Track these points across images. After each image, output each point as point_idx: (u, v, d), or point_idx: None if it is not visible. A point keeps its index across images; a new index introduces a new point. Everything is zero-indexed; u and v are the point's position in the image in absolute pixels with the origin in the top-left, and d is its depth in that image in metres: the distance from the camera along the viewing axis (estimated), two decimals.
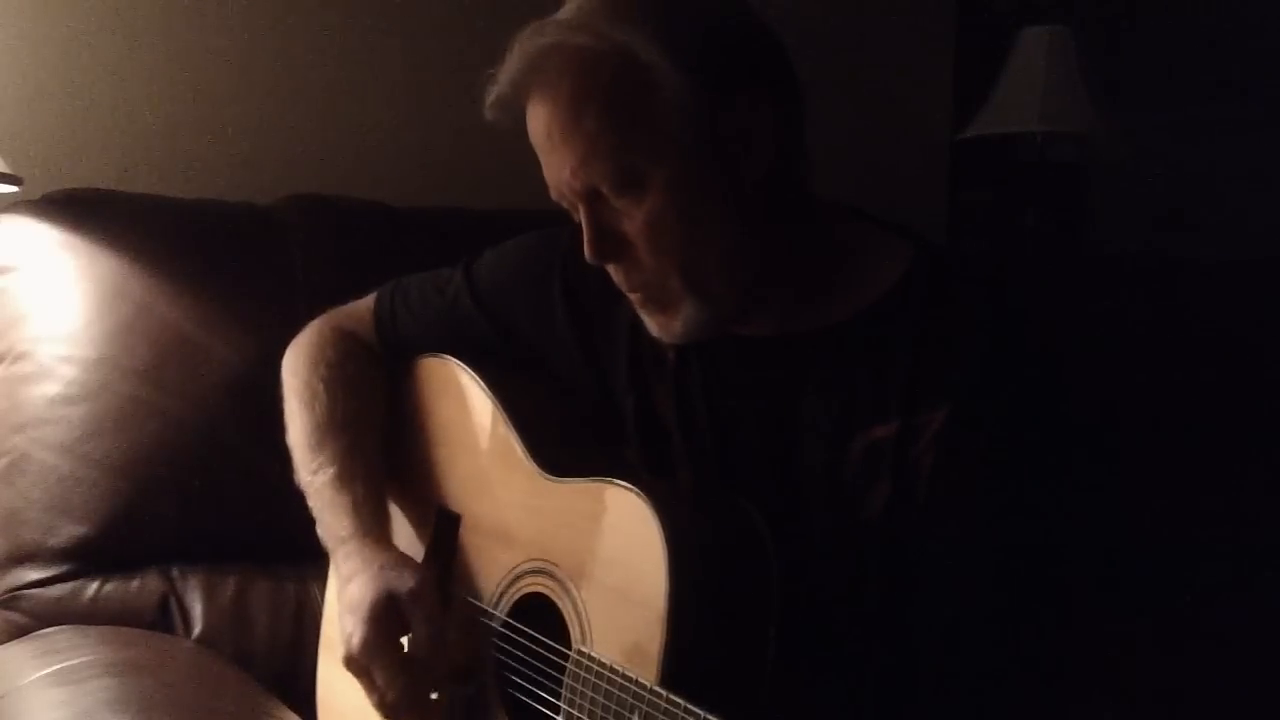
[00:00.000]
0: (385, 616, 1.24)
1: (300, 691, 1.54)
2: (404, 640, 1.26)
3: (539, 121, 1.16)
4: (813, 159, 1.22)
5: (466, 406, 1.37)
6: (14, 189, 1.70)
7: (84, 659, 1.44)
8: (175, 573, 1.65)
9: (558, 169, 1.17)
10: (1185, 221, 3.03)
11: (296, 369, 1.44)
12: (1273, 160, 2.90)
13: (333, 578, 1.43)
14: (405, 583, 1.26)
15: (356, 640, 1.24)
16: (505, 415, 1.32)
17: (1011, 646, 1.14)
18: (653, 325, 1.22)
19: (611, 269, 1.20)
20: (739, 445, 1.24)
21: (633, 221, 1.16)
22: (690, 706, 1.00)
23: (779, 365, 1.22)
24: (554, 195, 1.20)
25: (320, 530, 1.36)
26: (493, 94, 1.18)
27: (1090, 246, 3.12)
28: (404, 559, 1.31)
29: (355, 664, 1.24)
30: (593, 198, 1.17)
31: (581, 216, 1.18)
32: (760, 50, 1.18)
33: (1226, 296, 2.31)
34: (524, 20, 1.18)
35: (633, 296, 1.21)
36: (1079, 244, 3.09)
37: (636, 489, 1.12)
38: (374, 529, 1.33)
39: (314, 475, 1.37)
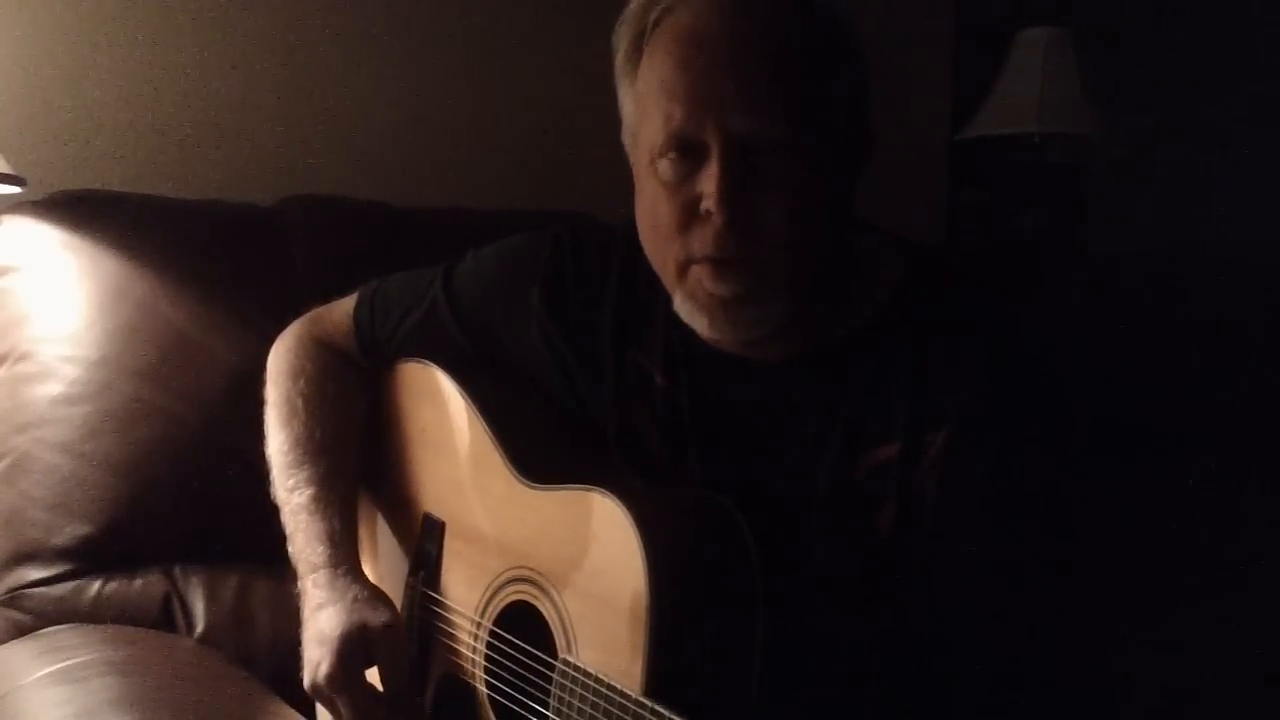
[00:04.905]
0: (355, 650, 1.26)
1: (302, 691, 1.54)
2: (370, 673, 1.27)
3: (714, 21, 1.05)
4: None
5: (447, 412, 1.36)
6: (17, 189, 1.71)
7: (86, 658, 1.44)
8: (177, 572, 1.65)
9: (717, 93, 1.04)
10: (1184, 222, 3.03)
11: (277, 381, 1.43)
12: (1273, 160, 2.90)
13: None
14: (379, 617, 1.27)
15: (324, 671, 1.25)
16: (484, 422, 1.31)
17: (1030, 658, 1.12)
18: (705, 317, 1.12)
19: (720, 226, 1.07)
20: (734, 472, 1.20)
21: (776, 184, 1.06)
22: (674, 718, 0.99)
23: (776, 389, 1.19)
24: (670, 129, 1.07)
25: (291, 550, 1.36)
26: None
27: (1088, 247, 3.12)
28: (378, 593, 1.32)
29: (320, 693, 1.27)
30: (729, 144, 1.05)
31: (716, 159, 1.06)
32: None
33: (1226, 296, 2.31)
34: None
35: (714, 270, 1.08)
36: (1077, 245, 3.10)
37: (613, 495, 1.12)
38: (347, 559, 1.33)
39: (290, 493, 1.37)
